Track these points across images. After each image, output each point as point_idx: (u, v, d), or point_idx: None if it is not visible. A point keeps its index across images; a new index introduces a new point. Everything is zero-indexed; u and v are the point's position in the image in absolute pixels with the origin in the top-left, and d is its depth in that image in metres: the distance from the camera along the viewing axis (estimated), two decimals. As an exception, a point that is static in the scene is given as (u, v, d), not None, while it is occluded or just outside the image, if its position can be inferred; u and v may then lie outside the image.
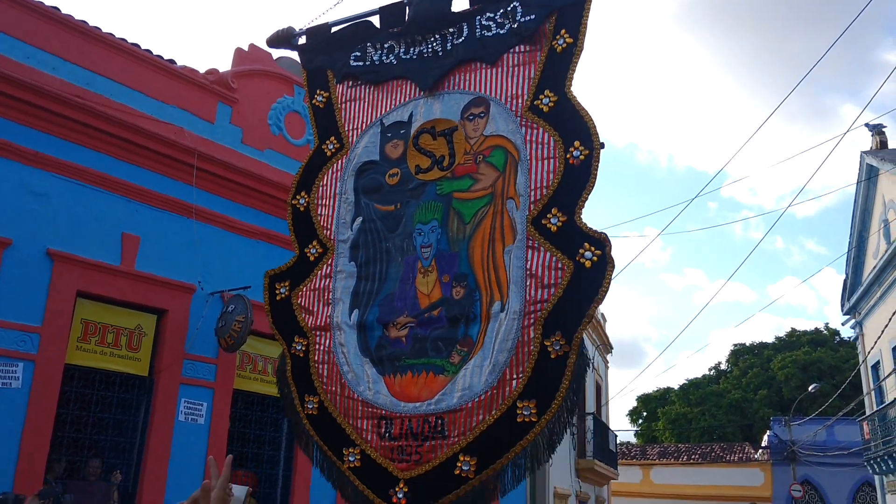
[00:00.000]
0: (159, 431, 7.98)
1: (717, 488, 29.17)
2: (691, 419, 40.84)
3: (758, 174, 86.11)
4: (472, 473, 3.29)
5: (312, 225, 4.28)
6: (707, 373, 45.93)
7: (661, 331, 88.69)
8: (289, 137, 10.03)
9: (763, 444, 31.19)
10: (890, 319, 15.12)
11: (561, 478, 17.21)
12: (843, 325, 23.93)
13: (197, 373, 8.46)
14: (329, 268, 4.13)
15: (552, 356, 3.30)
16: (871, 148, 19.23)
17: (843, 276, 22.13)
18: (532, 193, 3.65)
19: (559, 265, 3.43)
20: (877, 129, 19.15)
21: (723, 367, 45.47)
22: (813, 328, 43.08)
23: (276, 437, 9.40)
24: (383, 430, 3.61)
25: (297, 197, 4.39)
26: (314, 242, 4.24)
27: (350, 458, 3.63)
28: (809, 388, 26.99)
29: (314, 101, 4.63)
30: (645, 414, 46.62)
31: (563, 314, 3.35)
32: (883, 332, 16.47)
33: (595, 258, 3.35)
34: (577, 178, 3.54)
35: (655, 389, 46.50)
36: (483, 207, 3.79)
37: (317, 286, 4.13)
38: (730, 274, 68.94)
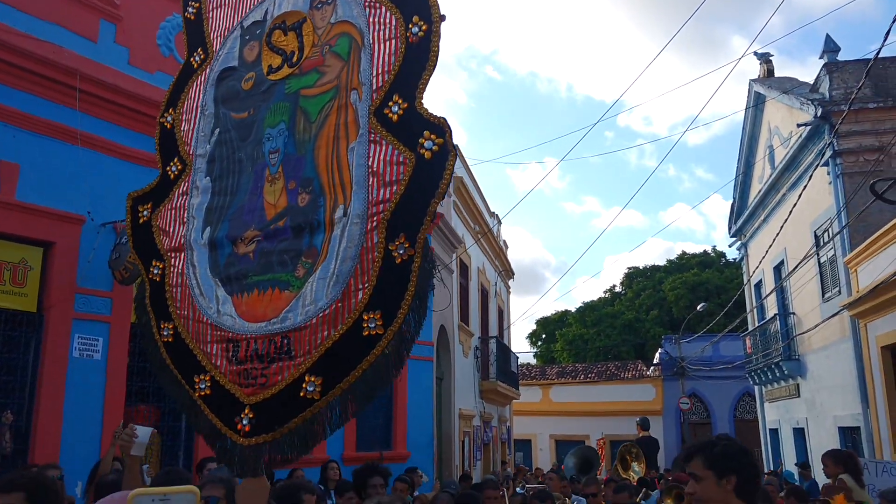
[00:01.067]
0: (52, 369, 7.63)
1: (612, 404, 30.69)
2: (587, 340, 42.52)
3: (652, 103, 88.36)
4: (318, 394, 3.04)
5: (176, 142, 4.02)
6: (602, 295, 47.75)
7: (559, 257, 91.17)
8: (180, 59, 9.45)
9: (654, 361, 32.89)
10: (773, 241, 15.97)
11: (465, 399, 17.67)
12: (729, 247, 25.18)
13: (91, 307, 8.09)
14: (186, 185, 3.87)
15: (397, 261, 3.02)
16: (759, 76, 19.91)
17: (731, 201, 23.16)
18: (374, 81, 3.33)
19: (401, 159, 3.13)
20: (764, 58, 19.78)
21: (617, 289, 47.30)
22: (701, 251, 45.25)
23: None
24: (231, 353, 3.35)
25: (165, 115, 4.14)
26: (175, 160, 3.97)
27: (201, 386, 3.39)
28: (698, 308, 28.50)
29: (186, 14, 4.34)
30: (544, 336, 48.21)
31: (406, 214, 3.05)
32: (766, 253, 17.42)
33: (436, 147, 3.05)
34: (417, 58, 3.23)
35: (554, 313, 48.07)
36: (328, 102, 3.47)
37: (175, 205, 3.87)
38: (625, 201, 71.05)
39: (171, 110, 4.13)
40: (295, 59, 3.68)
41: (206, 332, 3.46)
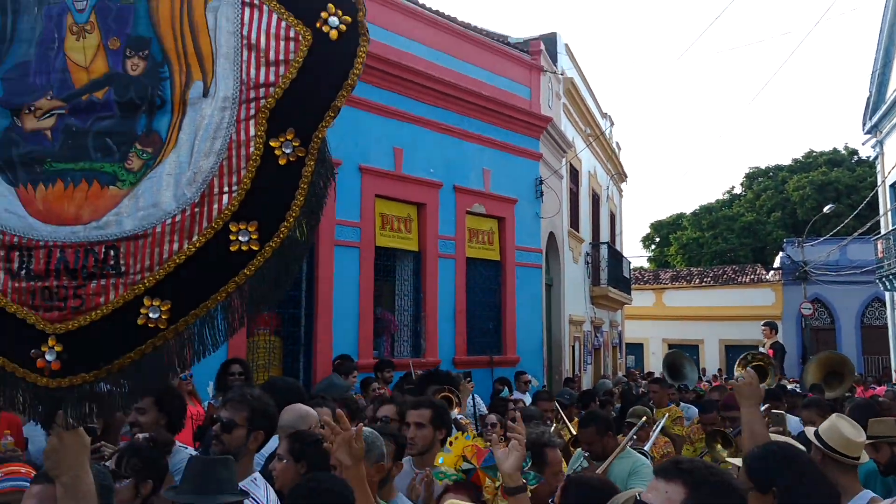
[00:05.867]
0: None
1: (728, 309, 29.97)
2: (703, 244, 41.34)
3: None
4: (165, 322, 2.43)
5: None
6: (720, 197, 45.99)
7: (678, 155, 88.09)
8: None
9: (775, 265, 31.67)
10: (914, 137, 14.73)
11: (575, 305, 17.59)
12: (862, 144, 23.43)
13: None
14: None
15: (281, 161, 2.47)
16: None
17: (867, 95, 21.45)
18: None
19: (291, 34, 2.49)
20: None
21: (736, 191, 45.44)
22: (831, 148, 42.49)
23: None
24: (15, 264, 2.55)
25: None
26: None
27: None
28: (825, 209, 26.95)
29: None
30: (657, 240, 47.20)
31: (298, 105, 2.49)
32: (905, 150, 16.13)
33: (343, 26, 2.45)
34: None
35: (668, 216, 46.85)
36: None
37: None
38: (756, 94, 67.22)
39: None
40: None
41: None
